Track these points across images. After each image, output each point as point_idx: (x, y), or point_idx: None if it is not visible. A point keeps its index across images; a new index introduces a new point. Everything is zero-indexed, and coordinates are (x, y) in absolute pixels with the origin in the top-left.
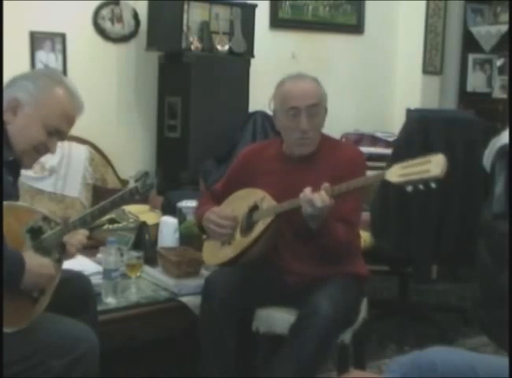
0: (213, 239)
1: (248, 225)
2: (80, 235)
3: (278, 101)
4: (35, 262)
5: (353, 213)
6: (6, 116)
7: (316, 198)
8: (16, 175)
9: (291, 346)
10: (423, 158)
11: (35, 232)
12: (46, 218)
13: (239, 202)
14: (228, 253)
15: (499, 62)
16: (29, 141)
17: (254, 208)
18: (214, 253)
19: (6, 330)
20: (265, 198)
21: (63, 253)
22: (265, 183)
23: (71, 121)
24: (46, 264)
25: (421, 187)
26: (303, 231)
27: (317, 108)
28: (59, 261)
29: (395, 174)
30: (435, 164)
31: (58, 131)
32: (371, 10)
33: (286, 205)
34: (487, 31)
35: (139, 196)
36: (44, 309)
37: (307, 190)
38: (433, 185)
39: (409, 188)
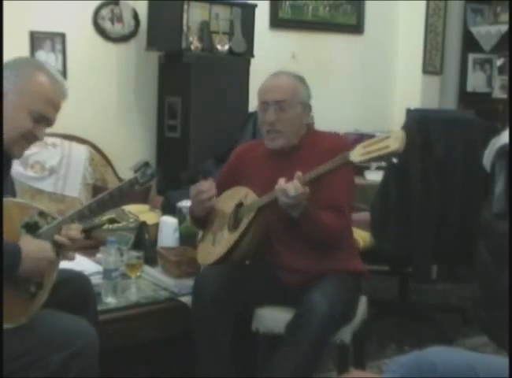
0: (197, 208)
1: (235, 222)
2: (73, 230)
3: (257, 96)
4: (32, 247)
5: (340, 199)
6: None
7: (289, 187)
8: (7, 168)
9: (289, 344)
10: (384, 135)
11: (31, 227)
12: (42, 213)
13: (227, 201)
14: (218, 251)
15: (499, 62)
16: (17, 130)
17: (240, 205)
18: (207, 253)
19: (6, 326)
20: (248, 195)
21: (60, 248)
22: (254, 180)
23: (56, 107)
24: (44, 248)
25: (383, 163)
26: (288, 221)
27: (285, 104)
28: (57, 255)
29: (358, 154)
30: (394, 140)
31: (44, 118)
32: (371, 10)
33: (265, 199)
34: (487, 31)
35: (139, 186)
36: (42, 304)
37: (281, 181)
38: (394, 160)
39: (374, 166)
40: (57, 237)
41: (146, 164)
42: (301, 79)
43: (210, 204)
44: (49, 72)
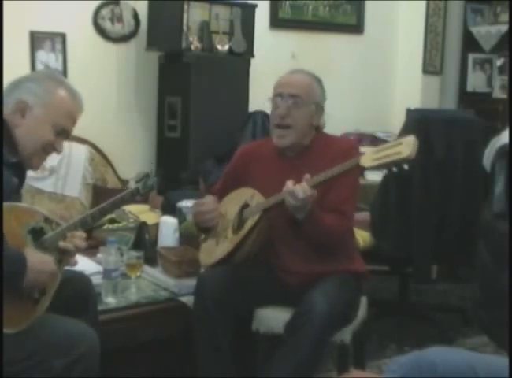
0: (200, 223)
1: (239, 223)
2: (78, 239)
3: (273, 90)
4: (36, 259)
5: (344, 203)
6: (14, 119)
7: (297, 189)
8: (21, 178)
9: (288, 344)
10: (395, 141)
11: (37, 233)
12: (47, 219)
13: (232, 203)
14: (221, 251)
15: (499, 62)
16: (39, 142)
17: (245, 206)
18: (209, 254)
19: (6, 331)
20: (254, 196)
21: (64, 254)
22: (260, 181)
23: (75, 120)
24: (47, 261)
25: (394, 169)
26: (291, 223)
27: (299, 99)
28: (60, 262)
29: (369, 159)
30: (406, 146)
31: (65, 131)
32: (371, 10)
33: (272, 200)
34: (487, 31)
35: (139, 197)
36: (45, 310)
37: (289, 183)
38: (406, 167)
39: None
40: (62, 243)
41: (147, 175)
42: (318, 80)
43: (213, 223)
44: (68, 86)
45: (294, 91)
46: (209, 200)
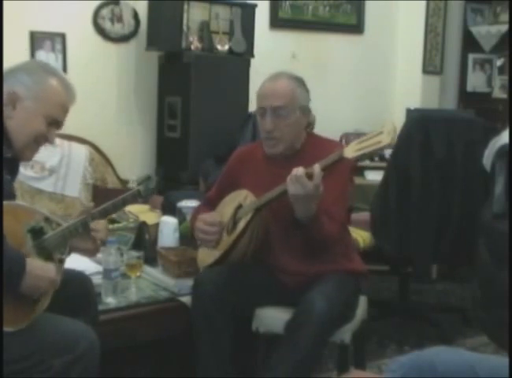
0: (204, 246)
1: (233, 225)
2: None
3: (256, 100)
4: (37, 265)
5: (332, 206)
6: (6, 111)
7: (315, 168)
8: (13, 173)
9: (287, 344)
10: (376, 131)
11: (37, 233)
12: (47, 219)
13: (228, 206)
14: (215, 253)
15: (499, 62)
16: (31, 133)
17: (239, 207)
18: (206, 256)
19: (6, 329)
20: (247, 197)
21: (64, 254)
22: (253, 183)
23: (66, 111)
24: (48, 268)
25: (376, 159)
26: (287, 223)
27: (284, 110)
28: (60, 262)
29: (352, 150)
30: (386, 135)
31: (56, 122)
32: (371, 10)
33: (263, 199)
34: (487, 31)
35: (141, 199)
36: (45, 309)
37: (299, 169)
38: (387, 154)
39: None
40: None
41: (149, 178)
42: (300, 82)
43: (212, 244)
44: (60, 77)
45: (276, 103)
46: (215, 219)
